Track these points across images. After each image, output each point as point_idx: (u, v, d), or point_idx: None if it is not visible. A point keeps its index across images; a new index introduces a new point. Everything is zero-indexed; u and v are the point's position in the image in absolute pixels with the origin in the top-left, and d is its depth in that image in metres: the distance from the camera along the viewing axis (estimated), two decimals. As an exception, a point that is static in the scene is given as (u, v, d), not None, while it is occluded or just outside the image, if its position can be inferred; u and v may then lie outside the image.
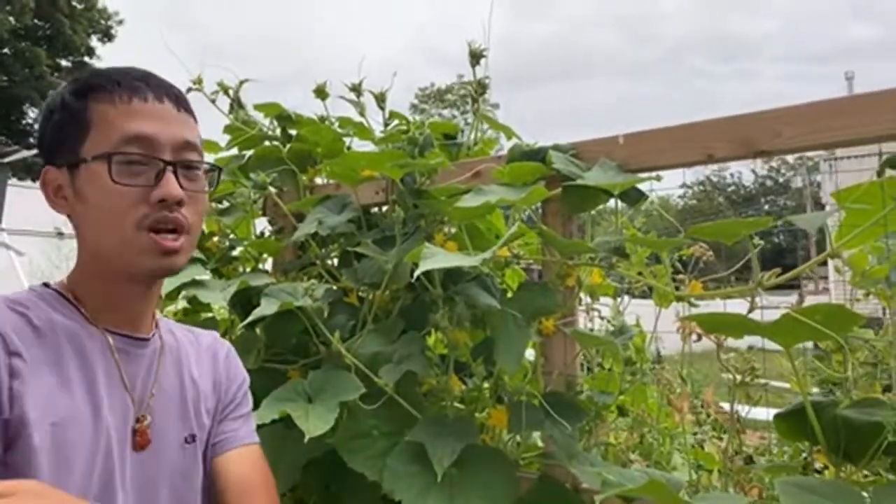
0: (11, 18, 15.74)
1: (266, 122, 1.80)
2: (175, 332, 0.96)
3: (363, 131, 1.68)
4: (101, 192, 0.79)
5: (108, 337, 0.83)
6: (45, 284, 0.87)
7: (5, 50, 16.39)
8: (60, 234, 8.82)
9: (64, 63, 18.39)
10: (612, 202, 1.20)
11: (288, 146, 1.68)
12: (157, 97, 0.83)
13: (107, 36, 19.23)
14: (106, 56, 19.17)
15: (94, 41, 18.95)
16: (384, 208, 1.57)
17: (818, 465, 1.12)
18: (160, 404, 0.86)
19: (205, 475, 0.91)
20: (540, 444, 1.32)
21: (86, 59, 18.85)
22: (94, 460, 0.76)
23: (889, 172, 0.91)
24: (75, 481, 0.73)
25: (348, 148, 1.70)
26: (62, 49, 18.00)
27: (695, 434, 1.72)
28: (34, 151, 6.05)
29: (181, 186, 0.81)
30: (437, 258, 1.01)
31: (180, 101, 0.86)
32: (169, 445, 0.86)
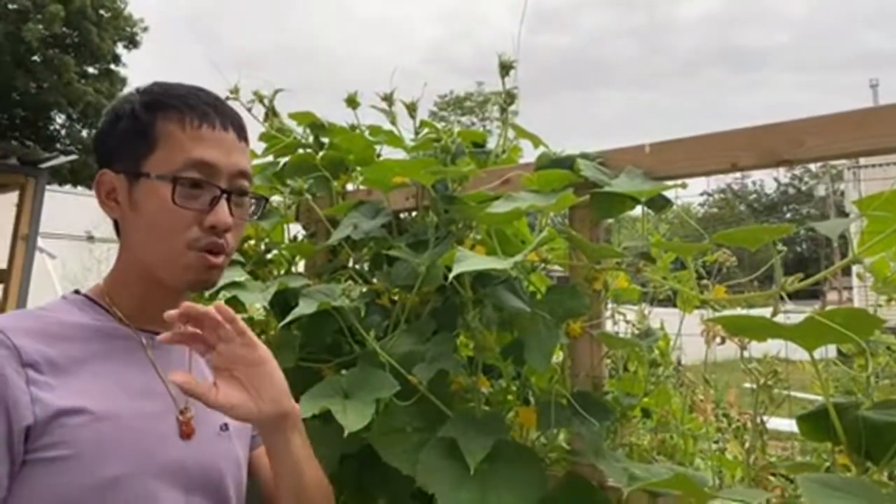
0: (41, 27, 16.06)
1: (299, 130, 1.86)
2: None
3: (394, 139, 1.73)
4: (159, 209, 0.84)
5: (142, 336, 0.88)
6: (76, 291, 0.92)
7: (35, 57, 16.71)
8: (91, 238, 9.02)
9: (91, 70, 18.69)
10: (637, 209, 1.24)
11: (321, 153, 1.74)
12: (223, 125, 0.88)
13: (132, 43, 19.50)
14: (131, 63, 19.47)
15: (119, 48, 19.24)
16: (413, 214, 1.62)
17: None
18: None
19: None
20: (565, 445, 1.36)
21: (112, 66, 19.15)
22: (131, 446, 0.79)
23: (910, 181, 0.94)
24: (113, 464, 0.77)
25: (378, 155, 1.76)
26: (89, 56, 18.30)
27: (716, 442, 1.74)
28: (71, 157, 6.17)
29: (231, 213, 0.87)
30: (470, 261, 1.05)
31: (241, 131, 0.92)
32: (210, 433, 0.91)
